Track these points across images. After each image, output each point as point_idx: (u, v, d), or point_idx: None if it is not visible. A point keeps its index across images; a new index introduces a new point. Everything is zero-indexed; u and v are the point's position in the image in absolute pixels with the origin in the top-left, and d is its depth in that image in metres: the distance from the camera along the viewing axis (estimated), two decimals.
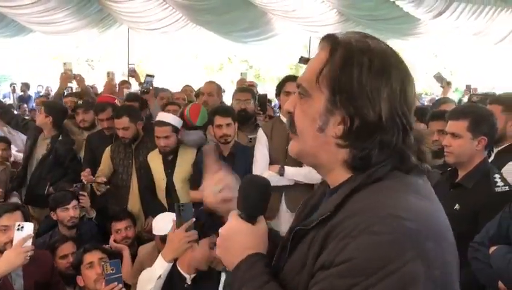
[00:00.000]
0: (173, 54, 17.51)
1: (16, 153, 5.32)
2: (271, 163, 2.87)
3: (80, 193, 3.16)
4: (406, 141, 0.81)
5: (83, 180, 3.26)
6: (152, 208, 3.20)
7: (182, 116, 3.50)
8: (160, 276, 2.15)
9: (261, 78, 18.74)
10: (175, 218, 2.24)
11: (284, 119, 2.92)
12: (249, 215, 0.92)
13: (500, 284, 1.72)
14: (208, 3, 9.04)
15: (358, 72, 0.79)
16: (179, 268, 2.21)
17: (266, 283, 0.83)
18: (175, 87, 6.39)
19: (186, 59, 18.65)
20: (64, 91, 4.98)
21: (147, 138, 3.43)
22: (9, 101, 10.09)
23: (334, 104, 0.81)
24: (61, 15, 8.97)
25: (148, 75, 4.03)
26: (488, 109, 2.27)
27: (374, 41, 0.83)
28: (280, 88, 3.03)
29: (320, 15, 10.04)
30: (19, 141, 5.64)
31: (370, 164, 0.80)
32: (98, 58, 18.88)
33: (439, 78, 5.45)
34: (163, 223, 2.59)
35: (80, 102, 4.09)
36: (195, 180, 3.13)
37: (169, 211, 2.93)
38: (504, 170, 2.21)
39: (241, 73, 5.73)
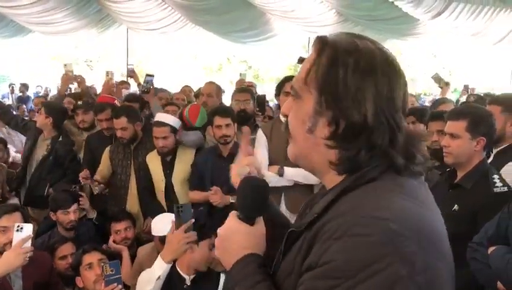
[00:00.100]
0: (172, 54, 17.51)
1: (15, 154, 5.32)
2: (270, 164, 2.87)
3: (79, 192, 3.16)
4: (393, 142, 0.79)
5: (81, 181, 3.26)
6: (151, 209, 3.20)
7: (181, 117, 3.50)
8: (159, 277, 2.16)
9: (260, 78, 18.75)
10: (174, 219, 2.24)
11: (284, 119, 2.92)
12: (247, 216, 0.93)
13: (499, 284, 1.72)
14: (207, 4, 9.04)
15: (344, 72, 0.78)
16: (178, 269, 2.22)
17: (258, 283, 0.84)
18: (174, 87, 6.40)
19: (185, 59, 18.66)
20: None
21: (145, 138, 3.42)
22: (8, 101, 10.07)
23: (321, 105, 0.80)
24: (60, 15, 8.96)
25: (148, 75, 4.03)
26: (487, 110, 2.27)
27: (363, 42, 0.82)
28: (280, 88, 3.03)
29: (319, 15, 10.04)
30: (17, 141, 5.64)
31: (359, 166, 0.80)
32: (97, 59, 18.87)
33: (437, 78, 5.46)
34: (162, 224, 2.59)
35: (80, 103, 4.09)
36: (194, 181, 3.13)
37: (168, 212, 2.93)
38: (503, 171, 2.21)
39: (240, 73, 5.74)
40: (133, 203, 3.38)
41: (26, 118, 5.68)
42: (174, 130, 3.17)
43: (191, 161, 3.20)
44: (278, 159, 2.83)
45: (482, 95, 5.49)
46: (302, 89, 0.83)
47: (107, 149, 3.51)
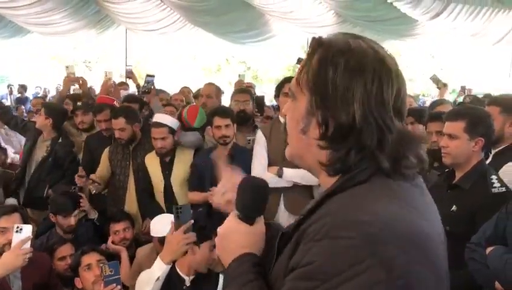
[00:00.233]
0: (171, 55, 17.50)
1: (13, 155, 5.32)
2: (270, 164, 2.87)
3: (79, 193, 3.15)
4: (382, 144, 0.77)
5: (77, 183, 3.24)
6: (150, 210, 3.20)
7: (179, 117, 3.51)
8: (158, 278, 2.16)
9: (259, 79, 18.75)
10: (173, 220, 2.24)
11: (283, 120, 2.93)
12: (247, 216, 0.94)
13: (497, 284, 1.72)
14: (205, 5, 9.04)
15: (333, 72, 0.77)
16: (178, 270, 2.22)
17: (250, 282, 0.85)
18: (173, 88, 6.40)
19: (184, 60, 18.65)
20: None
21: (144, 139, 3.42)
22: (6, 102, 10.05)
23: (312, 106, 0.80)
24: (59, 16, 8.96)
25: (148, 75, 4.03)
26: (485, 110, 2.28)
27: (356, 42, 0.80)
28: (279, 89, 3.04)
29: (318, 16, 10.06)
30: (16, 142, 5.64)
31: (349, 167, 0.78)
32: (96, 60, 18.85)
33: (435, 80, 5.47)
34: (161, 224, 2.60)
35: (79, 104, 4.09)
36: (193, 181, 3.13)
37: (167, 212, 2.93)
38: (501, 171, 2.22)
39: (239, 74, 5.73)
40: (131, 203, 3.38)
41: (25, 119, 5.67)
42: (172, 130, 3.17)
43: (189, 162, 3.20)
44: (277, 159, 2.83)
45: (478, 96, 5.50)
46: (296, 90, 0.84)
47: (107, 150, 3.51)
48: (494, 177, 2.03)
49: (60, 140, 3.72)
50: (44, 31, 9.64)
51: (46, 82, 13.72)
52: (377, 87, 0.77)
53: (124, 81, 6.54)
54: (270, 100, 6.64)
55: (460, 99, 5.59)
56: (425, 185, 0.86)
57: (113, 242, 2.93)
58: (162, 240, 2.44)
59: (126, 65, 8.59)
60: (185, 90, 5.64)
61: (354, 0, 9.32)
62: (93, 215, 3.21)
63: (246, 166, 2.91)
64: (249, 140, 3.27)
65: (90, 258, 2.36)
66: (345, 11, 9.87)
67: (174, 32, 10.20)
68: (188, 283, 2.21)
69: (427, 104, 8.64)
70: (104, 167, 3.48)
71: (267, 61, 18.39)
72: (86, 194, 3.38)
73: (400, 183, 0.78)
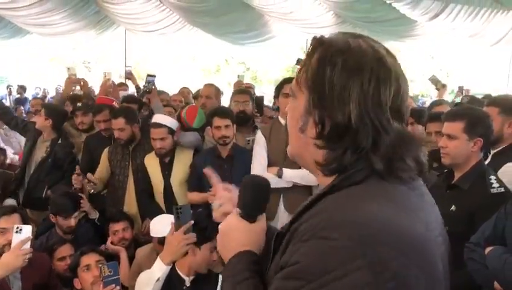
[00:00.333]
0: (170, 55, 17.50)
1: (13, 156, 5.32)
2: (269, 165, 2.88)
3: (79, 194, 3.15)
4: (377, 144, 0.76)
5: (74, 182, 3.23)
6: (149, 210, 3.20)
7: (179, 118, 3.51)
8: (158, 279, 2.15)
9: (258, 80, 18.76)
10: (173, 220, 2.24)
11: (283, 121, 2.94)
12: (248, 214, 0.95)
13: (496, 284, 1.73)
14: (205, 5, 9.04)
15: (331, 72, 0.77)
16: (178, 270, 2.22)
17: (246, 280, 0.86)
18: (172, 89, 6.40)
19: (184, 61, 18.65)
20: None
21: (144, 139, 3.43)
22: (5, 103, 10.04)
23: (310, 105, 0.80)
24: (58, 17, 8.95)
25: (149, 75, 4.02)
26: (484, 111, 2.28)
27: (356, 41, 0.80)
28: (279, 90, 3.05)
29: (317, 17, 10.06)
30: (15, 143, 5.65)
31: (345, 168, 0.78)
32: (95, 60, 18.84)
33: (434, 80, 5.48)
34: (161, 225, 2.60)
35: (79, 104, 4.09)
36: (193, 182, 3.14)
37: (167, 213, 2.93)
38: (500, 172, 2.22)
39: (238, 75, 5.74)
40: (130, 204, 3.38)
41: (25, 120, 5.67)
42: (171, 131, 3.17)
43: (189, 162, 3.20)
44: (277, 160, 2.84)
45: (477, 96, 5.51)
46: (296, 89, 0.84)
47: (106, 150, 3.51)
48: (492, 177, 2.04)
49: (60, 141, 3.73)
50: (44, 31, 9.63)
51: (45, 83, 13.71)
52: (374, 88, 0.76)
53: (123, 82, 6.54)
54: (269, 100, 6.64)
55: (458, 99, 5.59)
56: (425, 187, 0.85)
57: (112, 242, 2.93)
58: (161, 241, 2.45)
59: (125, 66, 8.60)
60: (184, 91, 5.65)
61: (354, 1, 9.32)
62: (94, 215, 3.21)
63: (246, 166, 2.92)
64: (248, 140, 3.28)
65: (89, 259, 2.36)
66: (344, 12, 9.88)
67: (173, 33, 10.20)
68: (187, 284, 2.21)
69: (427, 104, 8.65)
70: (103, 167, 3.48)
71: (267, 62, 18.40)
72: (86, 194, 3.38)
73: (395, 185, 0.77)
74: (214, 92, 4.09)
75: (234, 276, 0.88)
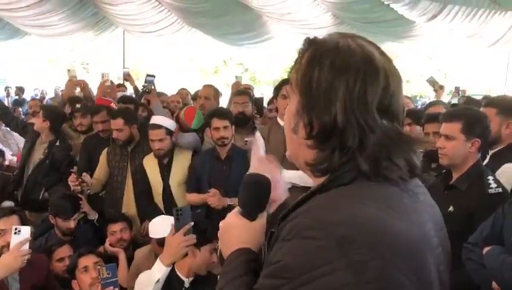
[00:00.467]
0: (169, 56, 17.48)
1: (11, 157, 5.31)
2: None
3: (78, 195, 3.15)
4: (363, 145, 0.75)
5: (70, 183, 3.21)
6: (148, 211, 3.20)
7: (177, 119, 3.51)
8: (158, 280, 2.16)
9: (257, 81, 18.76)
10: (173, 222, 2.24)
11: (281, 122, 2.94)
12: (248, 212, 0.96)
13: (494, 284, 1.73)
14: (203, 6, 9.04)
15: (318, 72, 0.77)
16: (178, 272, 2.22)
17: (239, 277, 0.86)
18: (171, 90, 6.40)
19: (182, 62, 18.64)
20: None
21: (142, 141, 3.42)
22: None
23: (300, 106, 0.80)
24: (56, 18, 8.94)
25: (148, 75, 4.01)
26: (482, 111, 2.29)
27: (345, 41, 0.79)
28: (277, 91, 3.05)
29: (315, 18, 10.07)
30: (13, 144, 5.63)
31: (333, 168, 0.77)
32: (94, 61, 18.82)
33: (431, 81, 5.48)
34: (160, 226, 2.60)
35: (78, 106, 4.08)
36: (192, 183, 3.14)
37: (166, 214, 2.93)
38: (499, 172, 2.23)
39: (236, 76, 5.73)
40: (129, 205, 3.38)
41: (24, 121, 5.66)
42: (169, 132, 3.17)
43: (188, 163, 3.21)
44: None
45: (474, 97, 5.51)
46: (289, 90, 0.85)
47: (105, 151, 3.50)
48: (490, 177, 2.05)
49: (58, 143, 3.72)
50: (42, 33, 9.62)
51: (44, 84, 13.68)
52: (359, 87, 0.75)
53: (122, 83, 6.53)
54: (267, 102, 6.64)
55: (455, 100, 5.61)
56: (423, 187, 0.85)
57: (110, 244, 2.93)
58: (160, 242, 2.45)
59: (123, 67, 8.58)
60: (182, 92, 5.64)
61: (351, 2, 9.33)
62: (93, 216, 3.21)
63: (244, 167, 2.91)
64: (246, 141, 3.28)
65: (87, 261, 2.36)
66: (342, 12, 9.89)
67: (171, 34, 10.20)
68: (187, 285, 2.21)
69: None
70: (102, 168, 3.47)
71: (265, 63, 18.40)
72: (85, 195, 3.38)
73: (385, 186, 0.76)
74: (212, 93, 4.09)
75: (231, 272, 0.89)
